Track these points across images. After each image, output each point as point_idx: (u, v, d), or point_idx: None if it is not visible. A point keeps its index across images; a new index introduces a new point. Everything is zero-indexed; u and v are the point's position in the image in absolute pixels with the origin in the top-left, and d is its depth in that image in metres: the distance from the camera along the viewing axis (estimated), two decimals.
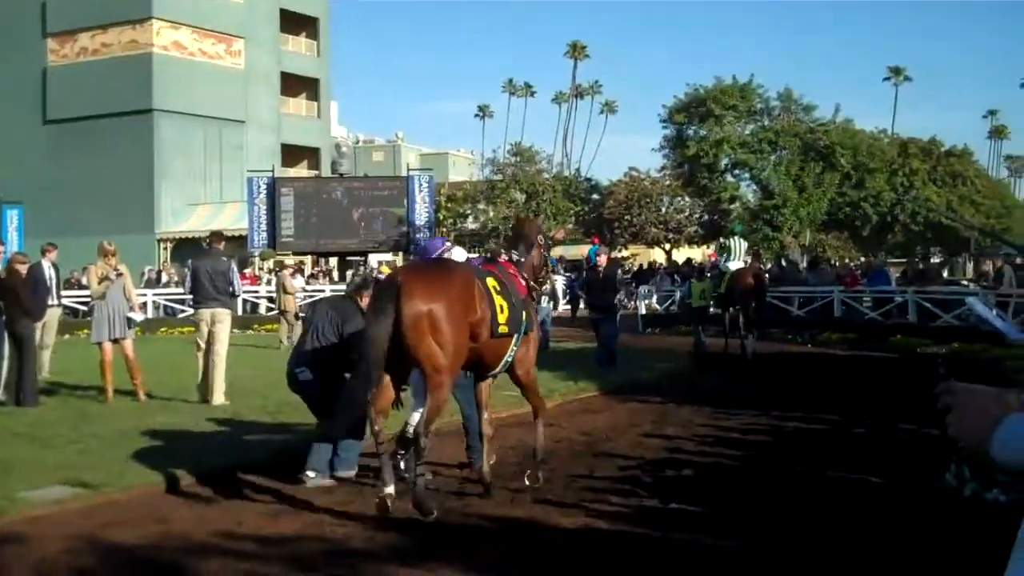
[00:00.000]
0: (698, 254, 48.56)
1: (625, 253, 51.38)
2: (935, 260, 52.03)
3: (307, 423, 8.84)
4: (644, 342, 22.47)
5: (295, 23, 56.62)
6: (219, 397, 12.11)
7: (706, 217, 51.42)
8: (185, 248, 43.61)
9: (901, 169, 50.46)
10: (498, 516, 6.90)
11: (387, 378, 6.80)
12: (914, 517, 6.71)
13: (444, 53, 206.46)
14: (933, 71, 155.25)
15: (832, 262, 40.18)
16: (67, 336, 20.34)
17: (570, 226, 54.01)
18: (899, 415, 11.08)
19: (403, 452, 7.56)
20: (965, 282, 30.30)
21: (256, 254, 38.03)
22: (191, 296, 13.46)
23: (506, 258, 8.20)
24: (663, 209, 51.71)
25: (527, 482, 7.64)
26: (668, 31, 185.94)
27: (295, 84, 56.81)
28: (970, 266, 51.07)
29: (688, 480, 8.11)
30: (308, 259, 40.32)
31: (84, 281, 18.62)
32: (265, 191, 35.36)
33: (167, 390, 12.86)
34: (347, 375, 7.75)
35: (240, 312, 25.66)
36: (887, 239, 52.79)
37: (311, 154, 57.43)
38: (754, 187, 51.21)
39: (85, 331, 17.76)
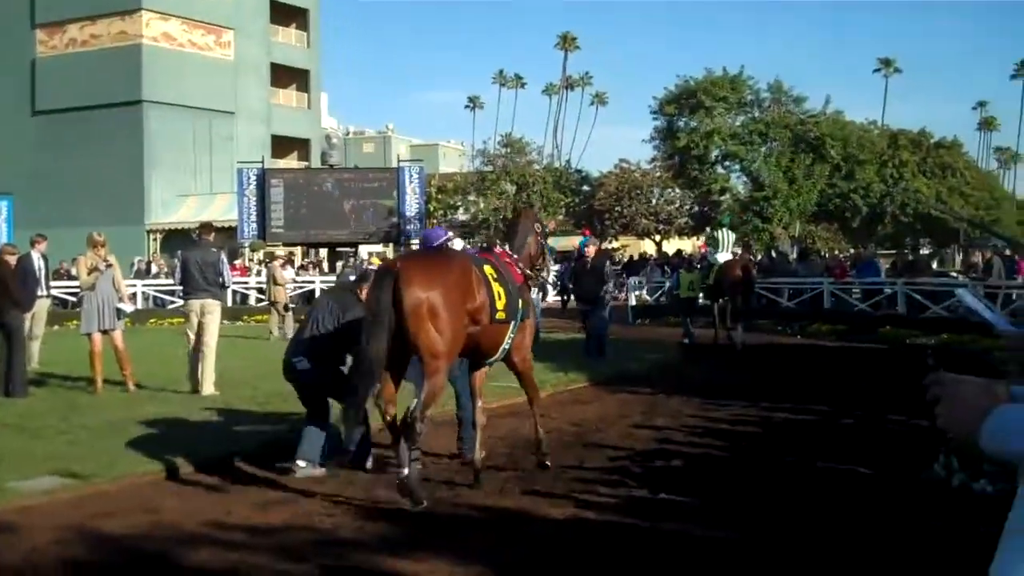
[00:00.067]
0: (688, 245, 48.64)
1: (615, 244, 51.47)
2: (924, 251, 52.30)
3: (297, 413, 8.84)
4: (634, 333, 22.49)
5: (285, 14, 56.38)
6: (209, 388, 12.15)
7: (696, 208, 51.48)
8: (175, 239, 43.48)
9: (891, 161, 50.57)
10: (487, 506, 6.92)
11: (387, 374, 6.86)
12: (903, 507, 6.74)
13: (434, 44, 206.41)
14: (923, 63, 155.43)
15: (822, 253, 40.27)
16: (56, 327, 20.27)
17: (560, 217, 53.91)
18: (888, 406, 11.11)
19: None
20: (954, 273, 30.35)
21: (246, 245, 37.94)
22: (181, 287, 13.44)
23: (501, 248, 8.30)
24: (653, 200, 51.84)
25: (539, 467, 7.90)
26: (658, 23, 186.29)
27: (285, 75, 56.61)
28: (959, 257, 51.13)
29: (677, 471, 8.12)
30: (298, 250, 40.29)
31: (73, 272, 18.55)
32: (255, 182, 35.29)
33: (157, 381, 12.88)
34: (343, 368, 7.79)
35: (230, 303, 25.61)
36: (877, 230, 52.90)
37: (301, 145, 57.26)
38: (744, 179, 51.26)
39: (74, 322, 17.75)
